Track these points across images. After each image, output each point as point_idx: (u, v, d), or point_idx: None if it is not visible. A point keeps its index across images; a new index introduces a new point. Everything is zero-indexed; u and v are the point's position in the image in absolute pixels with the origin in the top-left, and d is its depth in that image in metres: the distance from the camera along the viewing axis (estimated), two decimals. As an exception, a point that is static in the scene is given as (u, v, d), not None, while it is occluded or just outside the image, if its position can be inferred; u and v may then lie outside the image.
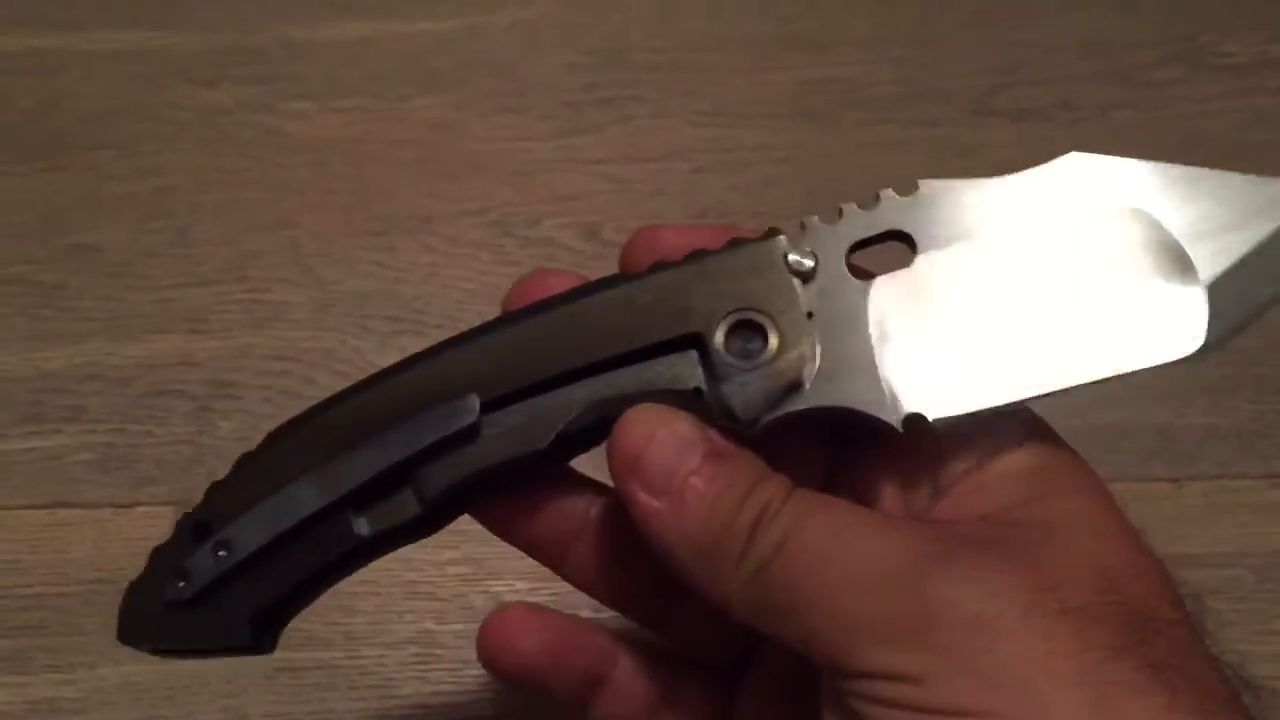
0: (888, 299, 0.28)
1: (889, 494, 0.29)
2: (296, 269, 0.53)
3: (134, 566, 0.46)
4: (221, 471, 0.47)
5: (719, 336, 0.28)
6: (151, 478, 0.48)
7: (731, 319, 0.28)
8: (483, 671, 0.44)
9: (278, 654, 0.44)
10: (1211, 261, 0.28)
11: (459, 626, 0.46)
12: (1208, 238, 0.28)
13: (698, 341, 0.28)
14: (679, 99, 0.57)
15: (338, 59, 0.58)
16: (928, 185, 0.28)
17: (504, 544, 0.46)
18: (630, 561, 0.31)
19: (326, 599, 0.45)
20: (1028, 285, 0.28)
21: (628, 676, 0.33)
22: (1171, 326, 0.27)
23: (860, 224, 0.28)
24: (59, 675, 0.45)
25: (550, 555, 0.32)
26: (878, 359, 0.28)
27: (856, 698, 0.25)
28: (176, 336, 0.51)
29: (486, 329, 0.30)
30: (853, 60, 0.58)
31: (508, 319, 0.30)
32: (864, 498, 0.30)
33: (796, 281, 0.28)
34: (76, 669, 0.45)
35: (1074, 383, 0.27)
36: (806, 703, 0.30)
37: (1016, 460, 0.28)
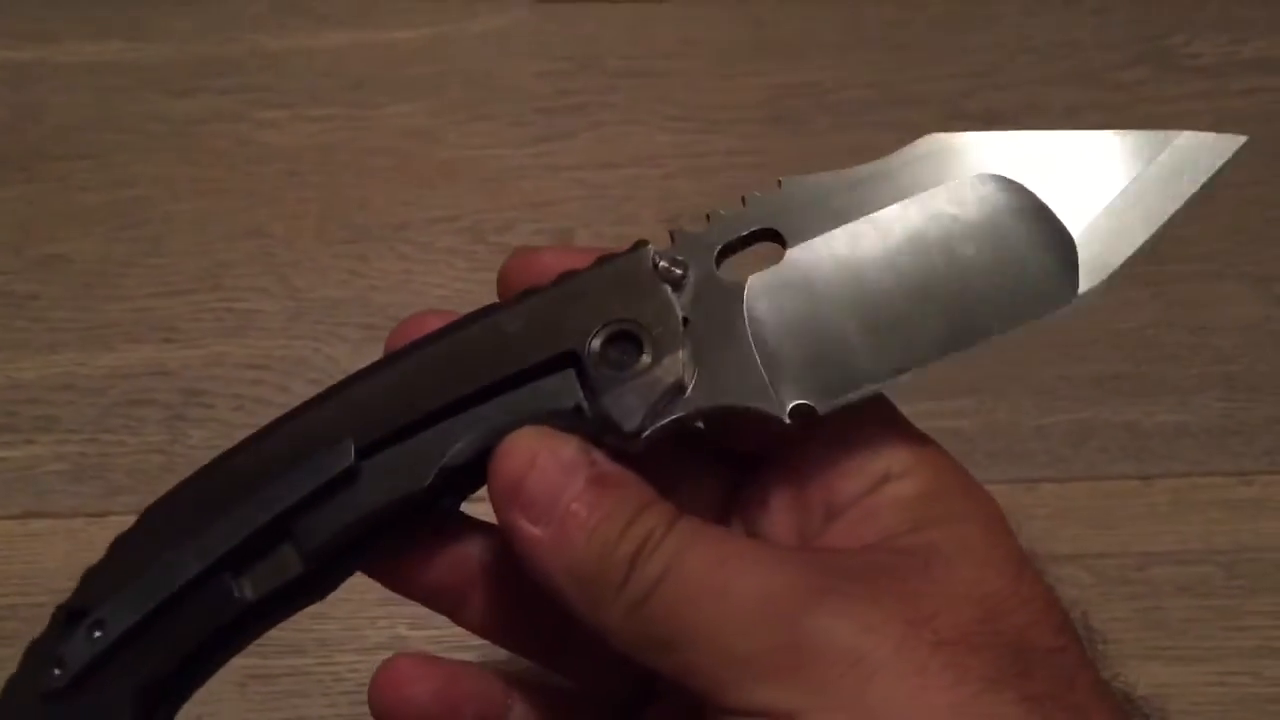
0: (762, 296, 0.28)
1: (782, 520, 0.29)
2: (270, 277, 0.53)
3: (107, 576, 0.46)
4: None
5: (594, 350, 0.27)
6: (124, 487, 0.48)
7: (605, 332, 0.28)
8: (457, 677, 0.45)
9: (251, 661, 0.45)
10: (1076, 215, 0.28)
11: (433, 632, 0.45)
12: (1072, 193, 0.28)
13: (574, 359, 0.28)
14: (650, 105, 0.57)
15: (311, 68, 0.58)
16: (791, 181, 0.29)
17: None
18: (527, 602, 0.31)
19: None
20: (899, 263, 0.28)
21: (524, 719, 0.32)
22: (1048, 280, 0.28)
23: (729, 226, 0.29)
24: (32, 686, 0.44)
25: (446, 604, 0.32)
26: (759, 356, 0.28)
27: None
28: (149, 346, 0.51)
29: (361, 375, 0.29)
30: (824, 65, 0.59)
31: (383, 362, 0.29)
32: (758, 523, 0.30)
33: (668, 288, 0.28)
34: (49, 679, 0.45)
35: (959, 351, 0.28)
36: None
37: (905, 486, 0.28)
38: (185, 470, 0.48)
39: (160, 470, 0.48)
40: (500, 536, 0.31)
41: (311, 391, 0.50)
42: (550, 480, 0.26)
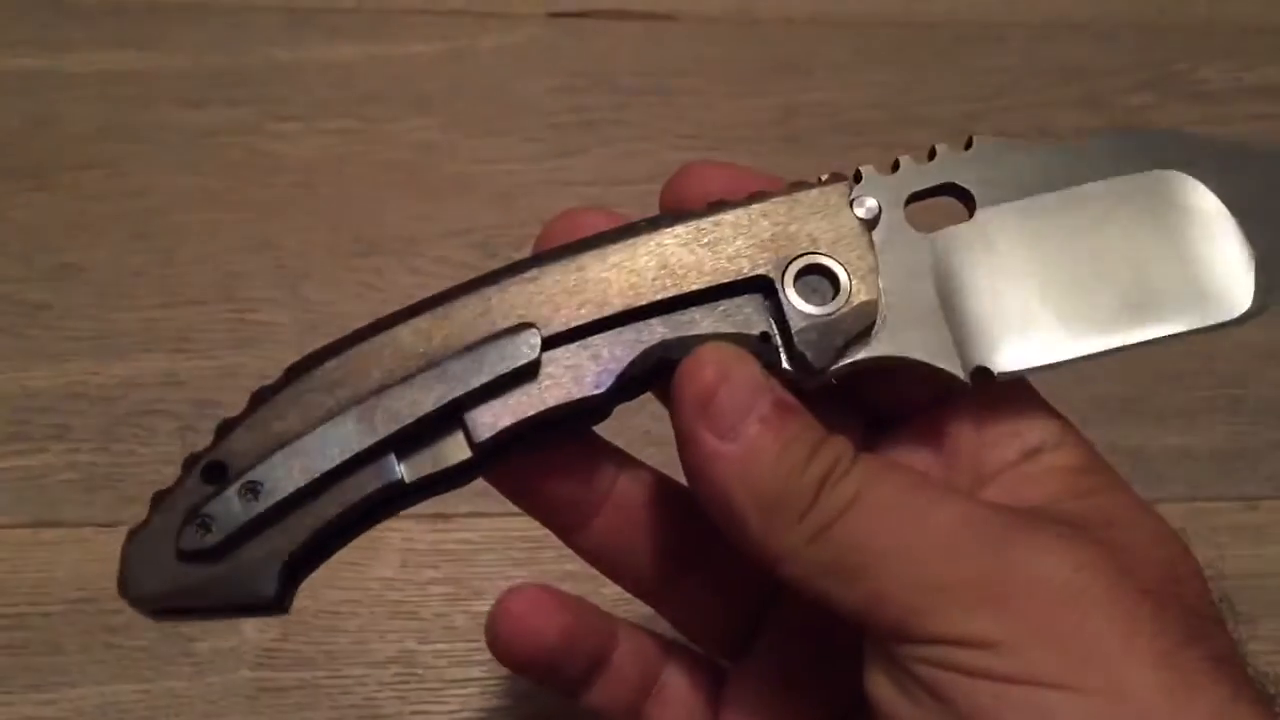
0: (950, 252, 0.28)
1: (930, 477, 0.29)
2: (282, 289, 0.53)
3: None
4: (205, 491, 0.48)
5: (788, 280, 0.27)
6: (135, 497, 0.48)
7: (801, 262, 0.27)
8: (464, 691, 0.45)
9: (260, 673, 0.45)
10: (1258, 231, 0.28)
11: (441, 646, 0.46)
12: (1254, 207, 0.28)
13: (764, 285, 0.27)
14: (662, 122, 0.58)
15: (324, 81, 0.59)
16: (983, 141, 0.29)
17: (486, 564, 0.47)
18: (649, 533, 0.31)
19: (309, 618, 0.46)
20: (1084, 245, 0.28)
21: (624, 661, 0.32)
22: (1224, 289, 0.28)
23: (918, 176, 0.28)
24: (40, 695, 0.45)
25: (567, 521, 0.31)
26: (944, 311, 0.27)
27: (924, 664, 0.24)
28: (161, 356, 0.51)
29: (534, 261, 0.27)
30: (834, 85, 0.59)
31: (558, 253, 0.28)
32: None
33: (863, 227, 0.27)
34: (58, 688, 0.45)
35: (1132, 341, 0.28)
36: (803, 690, 0.30)
37: (1062, 457, 0.28)
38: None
39: (172, 481, 0.48)
40: (631, 464, 0.31)
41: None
42: (741, 397, 0.25)
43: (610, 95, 0.58)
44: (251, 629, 0.46)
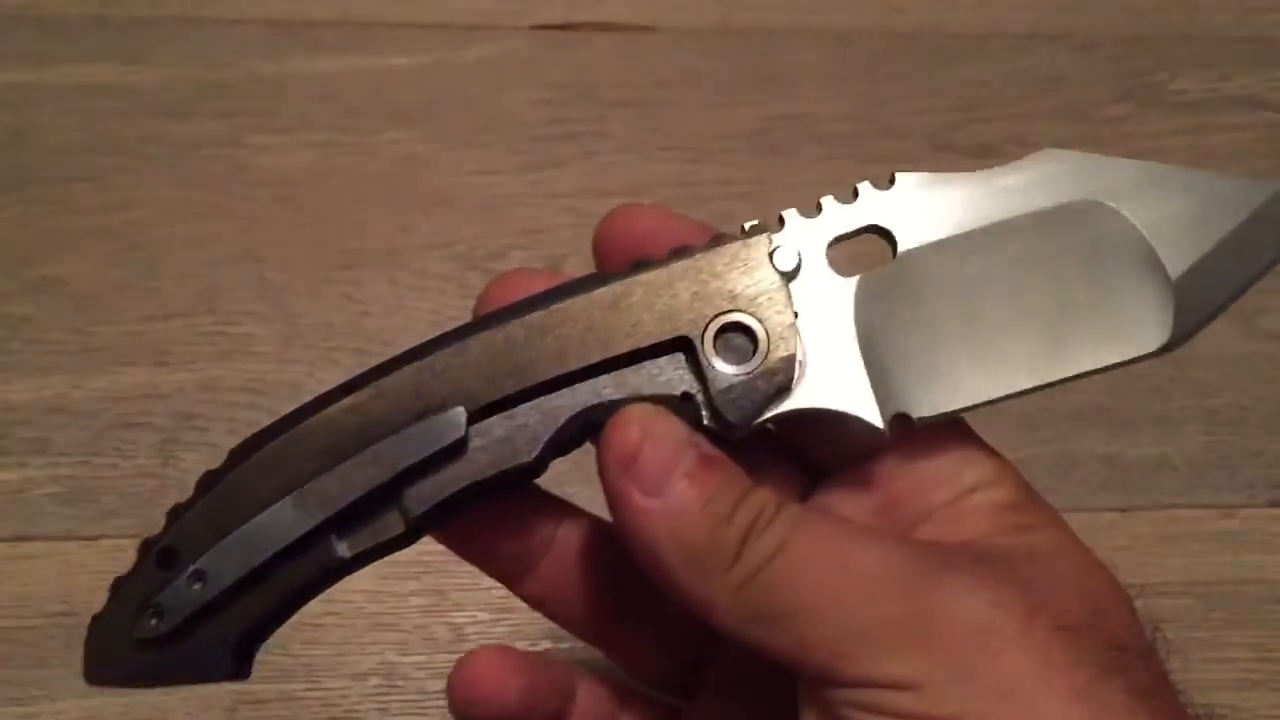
0: (871, 296, 0.28)
1: (863, 521, 0.29)
2: (264, 302, 0.53)
3: (98, 599, 0.46)
4: (186, 503, 0.48)
5: (709, 340, 0.27)
6: (116, 510, 0.48)
7: (720, 322, 0.28)
8: (444, 703, 0.45)
9: (240, 686, 0.45)
10: (1177, 259, 0.28)
11: (421, 658, 0.46)
12: (1173, 234, 0.28)
13: (686, 344, 0.28)
14: (642, 134, 0.58)
15: (307, 94, 0.59)
16: (904, 179, 0.29)
17: (466, 575, 0.47)
18: (589, 581, 0.32)
19: (289, 630, 0.46)
20: (1005, 282, 0.28)
21: (584, 711, 0.33)
22: (1142, 322, 0.28)
23: (841, 218, 0.28)
24: (21, 709, 0.45)
25: (511, 572, 0.32)
26: (863, 359, 0.28)
27: (851, 707, 0.25)
28: (143, 369, 0.51)
29: (464, 332, 0.28)
30: (814, 97, 0.59)
31: (487, 321, 0.28)
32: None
33: (782, 280, 0.28)
34: (39, 701, 0.45)
35: (1051, 379, 0.28)
36: None
37: (995, 494, 0.28)
38: (178, 494, 0.48)
39: (153, 494, 0.49)
40: (571, 513, 0.32)
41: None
42: (664, 454, 0.26)
43: (592, 107, 0.59)
44: (232, 641, 0.46)
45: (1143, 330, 0.28)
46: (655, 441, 0.26)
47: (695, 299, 0.28)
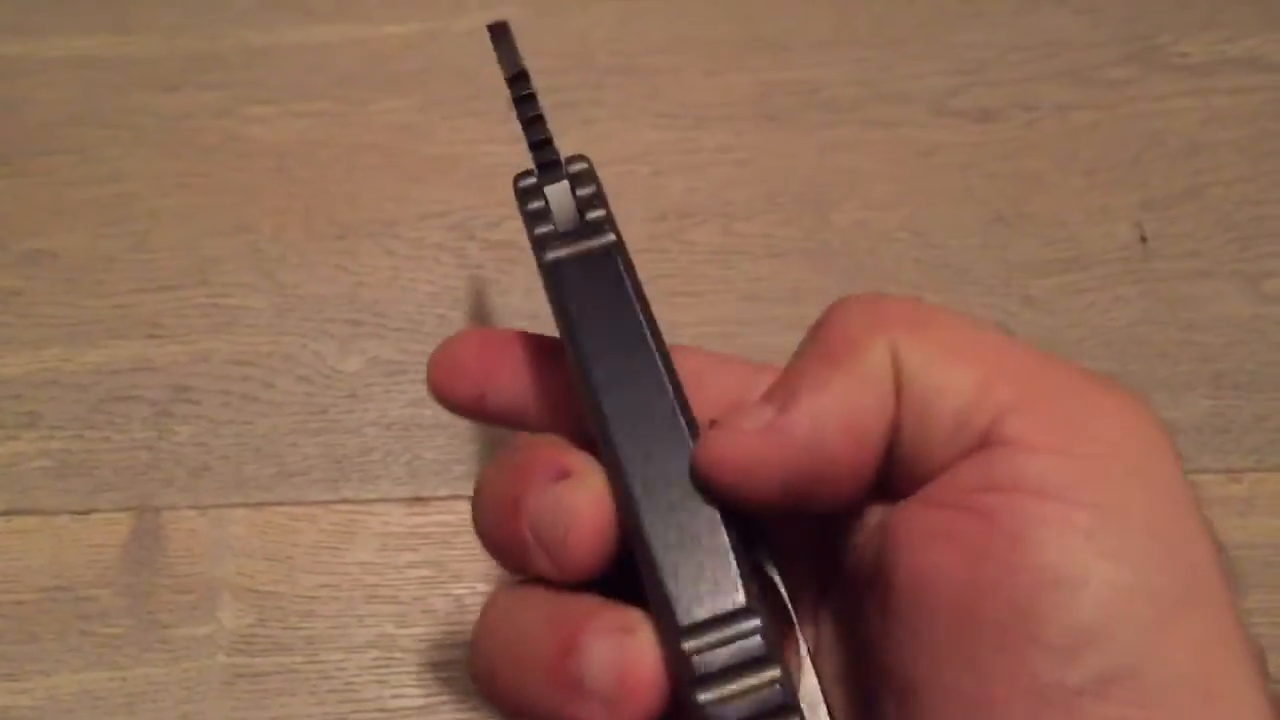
0: None
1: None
2: (256, 273, 0.52)
3: (91, 574, 0.46)
4: (181, 477, 0.47)
5: None
6: (109, 484, 0.48)
7: None
8: (444, 675, 0.45)
9: (236, 659, 0.44)
10: None
11: (420, 630, 0.45)
12: None
13: None
14: (640, 102, 0.57)
15: (298, 63, 0.58)
16: None
17: (465, 547, 0.47)
18: None
19: (286, 603, 0.45)
20: None
21: None
22: None
23: None
24: (14, 684, 0.44)
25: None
26: None
27: None
28: (135, 342, 0.51)
29: None
30: (814, 62, 0.59)
31: None
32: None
33: None
34: (32, 677, 0.44)
35: None
36: None
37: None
38: (171, 467, 0.48)
39: (146, 467, 0.48)
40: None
41: (299, 388, 0.50)
42: None
43: (587, 74, 0.58)
44: (228, 615, 0.45)
45: None
46: None
47: None
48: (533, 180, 0.31)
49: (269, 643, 0.45)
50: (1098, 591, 0.22)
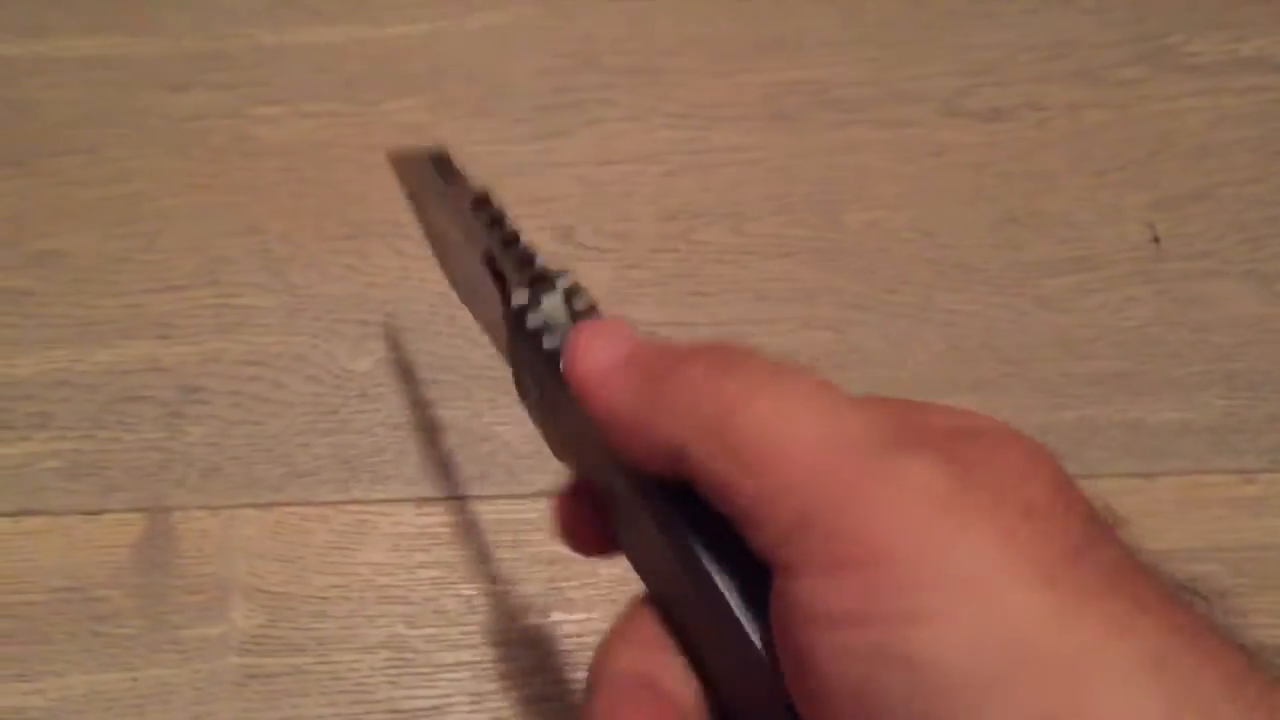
0: None
1: None
2: (266, 274, 0.52)
3: (102, 574, 0.46)
4: (192, 478, 0.47)
5: None
6: (120, 484, 0.48)
7: None
8: (455, 675, 0.44)
9: (248, 659, 0.44)
10: None
11: (431, 630, 0.45)
12: None
13: None
14: (650, 101, 0.57)
15: (308, 63, 0.58)
16: None
17: (475, 547, 0.47)
18: None
19: (297, 604, 0.45)
20: None
21: None
22: None
23: None
24: (27, 685, 0.44)
25: None
26: None
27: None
28: (145, 342, 0.51)
29: None
30: (823, 61, 0.58)
31: None
32: None
33: None
34: (44, 678, 0.44)
35: None
36: None
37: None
38: (182, 467, 0.48)
39: (157, 468, 0.48)
40: None
41: (309, 389, 0.50)
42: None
43: (597, 75, 0.58)
44: (239, 616, 0.45)
45: None
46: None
47: None
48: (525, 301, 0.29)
49: (280, 643, 0.45)
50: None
